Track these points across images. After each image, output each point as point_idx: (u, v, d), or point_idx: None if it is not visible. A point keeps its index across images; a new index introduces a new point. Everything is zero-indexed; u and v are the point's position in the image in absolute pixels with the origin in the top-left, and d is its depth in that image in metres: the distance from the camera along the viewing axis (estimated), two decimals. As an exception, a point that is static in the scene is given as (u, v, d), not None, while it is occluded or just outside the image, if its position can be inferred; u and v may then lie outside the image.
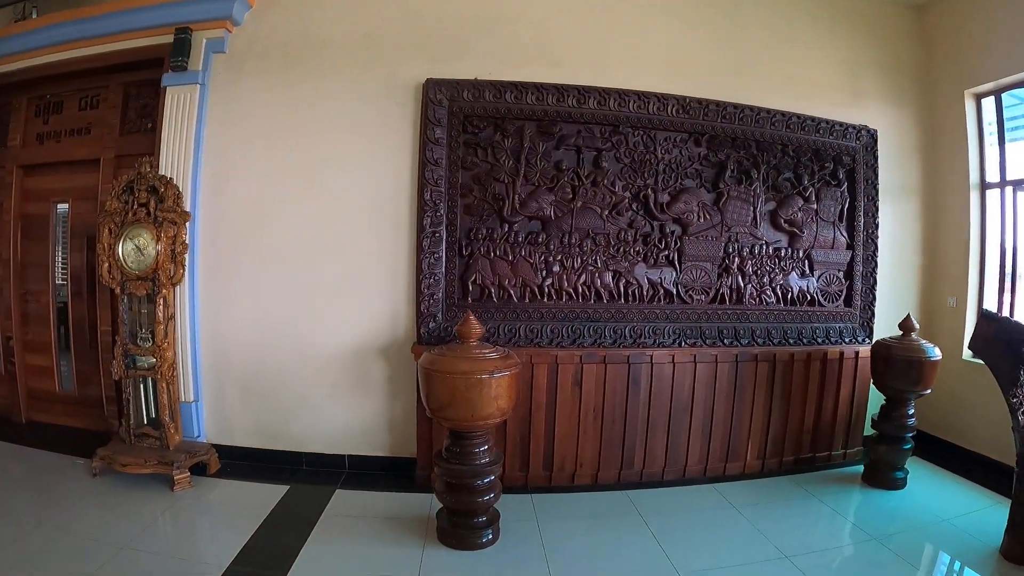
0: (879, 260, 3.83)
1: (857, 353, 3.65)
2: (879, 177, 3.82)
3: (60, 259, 3.96)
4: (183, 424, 3.32)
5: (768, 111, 3.57)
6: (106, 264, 3.20)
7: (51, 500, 2.87)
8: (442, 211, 3.26)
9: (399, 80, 3.31)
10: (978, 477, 3.42)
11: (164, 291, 3.16)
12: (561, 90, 3.32)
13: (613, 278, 3.43)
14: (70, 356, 3.97)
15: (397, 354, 3.35)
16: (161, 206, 3.17)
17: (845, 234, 3.79)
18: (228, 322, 3.40)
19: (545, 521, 2.86)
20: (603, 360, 3.28)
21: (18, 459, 3.40)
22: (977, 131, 3.84)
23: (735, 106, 3.52)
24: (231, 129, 3.37)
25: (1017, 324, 2.65)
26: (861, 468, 3.49)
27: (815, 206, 3.70)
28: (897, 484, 3.28)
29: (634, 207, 3.46)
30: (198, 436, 3.40)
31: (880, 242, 3.84)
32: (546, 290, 3.36)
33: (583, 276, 3.39)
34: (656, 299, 3.49)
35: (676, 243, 3.50)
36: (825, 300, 3.75)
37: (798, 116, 3.63)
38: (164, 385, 3.19)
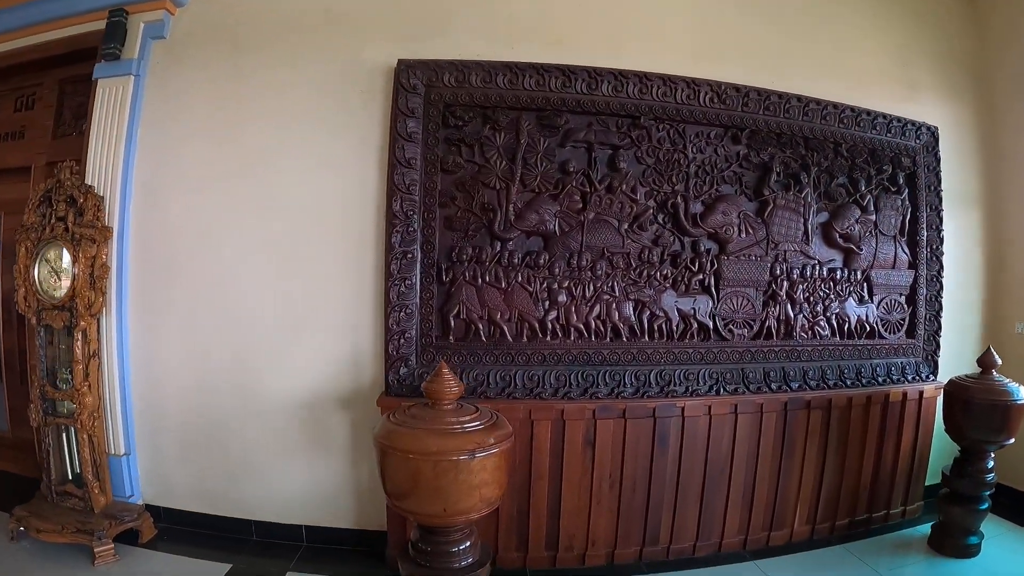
0: (943, 281, 3.46)
1: (921, 393, 3.29)
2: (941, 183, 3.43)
3: (-13, 282, 3.59)
4: (114, 482, 2.97)
5: (818, 102, 3.16)
6: (22, 290, 2.87)
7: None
8: (416, 225, 2.75)
9: (364, 63, 2.87)
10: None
11: (83, 323, 2.77)
12: (568, 72, 2.84)
13: (634, 309, 2.99)
14: (2, 392, 3.59)
15: (363, 406, 2.87)
16: (80, 220, 2.78)
17: (907, 251, 3.40)
18: (162, 362, 3.01)
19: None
20: (622, 414, 2.82)
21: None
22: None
23: (779, 95, 3.10)
24: (169, 128, 2.98)
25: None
26: (925, 530, 3.18)
27: (874, 217, 3.32)
28: (970, 552, 2.98)
29: (660, 219, 3.04)
30: (131, 496, 3.01)
31: (943, 259, 3.46)
32: (549, 326, 2.87)
33: (596, 307, 2.93)
34: (688, 335, 3.05)
35: (712, 264, 3.07)
36: (886, 331, 3.36)
37: (852, 109, 3.22)
38: (85, 436, 2.81)
